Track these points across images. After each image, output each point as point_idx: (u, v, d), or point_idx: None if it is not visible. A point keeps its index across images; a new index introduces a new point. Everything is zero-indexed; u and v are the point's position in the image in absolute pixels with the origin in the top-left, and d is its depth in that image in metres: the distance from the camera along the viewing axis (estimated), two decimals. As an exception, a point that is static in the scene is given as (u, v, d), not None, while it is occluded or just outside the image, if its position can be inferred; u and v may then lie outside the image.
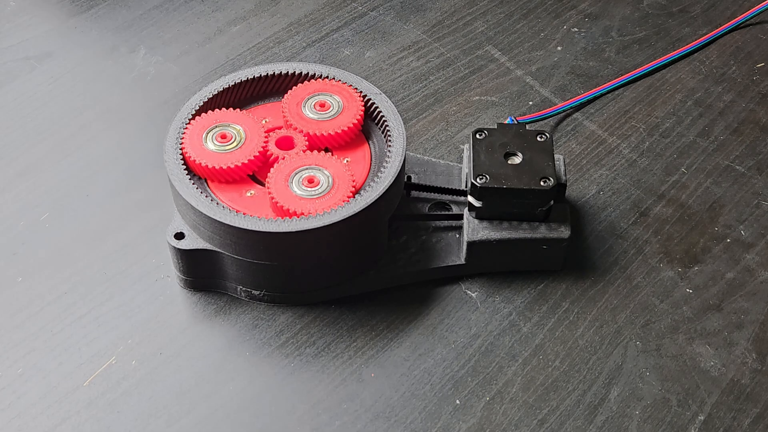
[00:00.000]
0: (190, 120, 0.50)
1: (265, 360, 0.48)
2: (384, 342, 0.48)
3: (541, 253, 0.50)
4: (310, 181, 0.48)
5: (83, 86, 0.62)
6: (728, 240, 0.53)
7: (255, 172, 0.50)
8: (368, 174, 0.50)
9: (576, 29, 0.67)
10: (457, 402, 0.46)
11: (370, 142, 0.51)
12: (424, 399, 0.46)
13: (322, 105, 0.51)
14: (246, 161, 0.48)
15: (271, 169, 0.48)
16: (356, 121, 0.51)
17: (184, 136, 0.49)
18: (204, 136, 0.49)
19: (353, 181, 0.48)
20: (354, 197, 0.47)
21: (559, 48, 0.65)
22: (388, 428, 0.45)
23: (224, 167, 0.48)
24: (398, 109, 0.55)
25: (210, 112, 0.51)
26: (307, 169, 0.48)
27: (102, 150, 0.58)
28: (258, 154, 0.49)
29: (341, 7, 0.68)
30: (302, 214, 0.46)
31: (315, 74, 0.53)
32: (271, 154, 0.50)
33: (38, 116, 0.60)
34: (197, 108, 0.51)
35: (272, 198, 0.47)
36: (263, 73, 0.53)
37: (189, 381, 0.47)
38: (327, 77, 0.53)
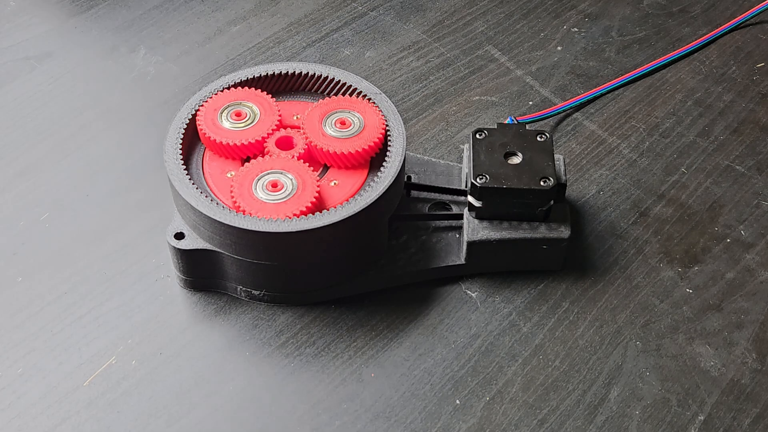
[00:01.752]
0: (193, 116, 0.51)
1: (265, 360, 0.48)
2: (384, 342, 0.48)
3: (541, 253, 0.50)
4: (342, 122, 0.49)
5: (83, 86, 0.62)
6: (728, 240, 0.53)
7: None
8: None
9: (576, 29, 0.67)
10: (457, 402, 0.46)
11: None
12: (424, 399, 0.46)
13: (343, 122, 0.50)
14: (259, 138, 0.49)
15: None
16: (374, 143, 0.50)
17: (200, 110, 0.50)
18: (219, 114, 0.50)
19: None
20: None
21: (559, 48, 0.65)
22: (388, 428, 0.45)
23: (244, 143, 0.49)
24: (398, 109, 0.55)
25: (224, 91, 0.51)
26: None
27: (102, 150, 0.58)
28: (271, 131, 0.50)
29: (341, 7, 0.68)
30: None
31: (316, 75, 0.53)
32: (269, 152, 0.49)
33: (38, 116, 0.60)
34: (197, 108, 0.51)
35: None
36: (263, 73, 0.53)
37: (189, 381, 0.47)
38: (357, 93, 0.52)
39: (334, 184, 0.49)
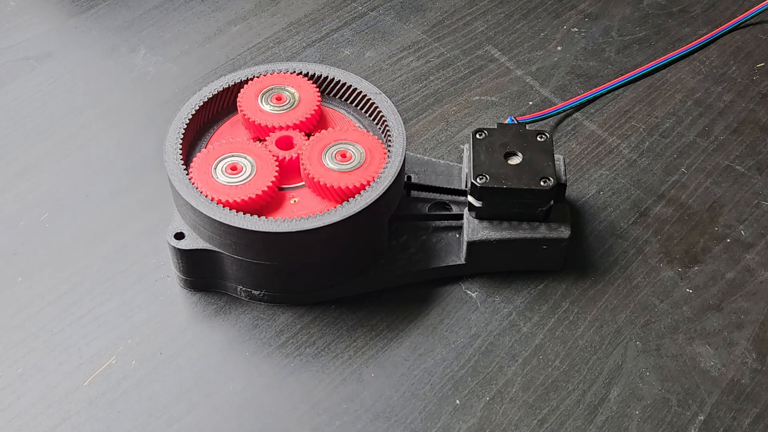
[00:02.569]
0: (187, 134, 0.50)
1: (265, 360, 0.48)
2: (384, 342, 0.48)
3: (541, 253, 0.50)
4: (343, 155, 0.48)
5: (83, 86, 0.62)
6: (728, 240, 0.53)
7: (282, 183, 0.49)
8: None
9: (576, 29, 0.67)
10: (457, 402, 0.46)
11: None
12: (424, 399, 0.46)
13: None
14: (264, 191, 0.47)
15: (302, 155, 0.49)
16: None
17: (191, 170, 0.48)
18: (213, 167, 0.48)
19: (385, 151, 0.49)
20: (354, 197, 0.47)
21: (559, 48, 0.65)
22: (388, 428, 0.45)
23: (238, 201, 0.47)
24: (398, 109, 0.55)
25: (215, 145, 0.50)
26: (338, 144, 0.49)
27: (102, 150, 0.58)
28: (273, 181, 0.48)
29: (341, 7, 0.68)
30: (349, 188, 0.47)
31: (316, 75, 0.53)
32: (277, 156, 0.49)
33: (38, 116, 0.60)
34: (197, 108, 0.51)
35: (313, 179, 0.48)
36: (263, 73, 0.53)
37: (189, 381, 0.47)
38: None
39: (294, 201, 0.48)
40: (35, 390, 0.46)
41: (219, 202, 0.46)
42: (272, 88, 0.52)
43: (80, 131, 0.59)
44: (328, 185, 0.47)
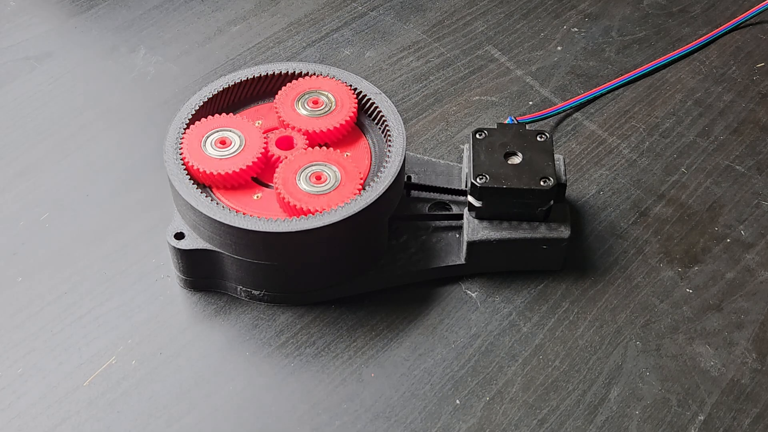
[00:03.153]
0: (186, 126, 0.50)
1: (265, 360, 0.48)
2: (384, 342, 0.48)
3: (541, 253, 0.50)
4: (318, 177, 0.48)
5: (83, 86, 0.62)
6: (728, 240, 0.53)
7: (258, 175, 0.50)
8: (370, 169, 0.50)
9: (576, 29, 0.67)
10: (457, 402, 0.46)
11: (368, 138, 0.52)
12: (424, 399, 0.46)
13: (315, 102, 0.51)
14: (248, 165, 0.48)
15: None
16: (350, 117, 0.51)
17: (182, 142, 0.49)
18: (203, 141, 0.49)
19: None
20: (360, 193, 0.47)
21: (559, 48, 0.65)
22: (388, 428, 0.45)
23: (228, 172, 0.48)
24: (398, 109, 0.55)
25: (205, 119, 0.50)
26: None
27: (102, 150, 0.58)
28: (260, 156, 0.49)
29: (341, 7, 0.68)
30: (314, 211, 0.46)
31: (317, 75, 0.53)
32: (272, 155, 0.50)
33: (38, 116, 0.60)
34: (197, 108, 0.51)
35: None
36: (263, 73, 0.53)
37: (189, 381, 0.47)
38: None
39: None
40: (35, 390, 0.46)
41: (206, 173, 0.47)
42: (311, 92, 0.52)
43: (80, 131, 0.59)
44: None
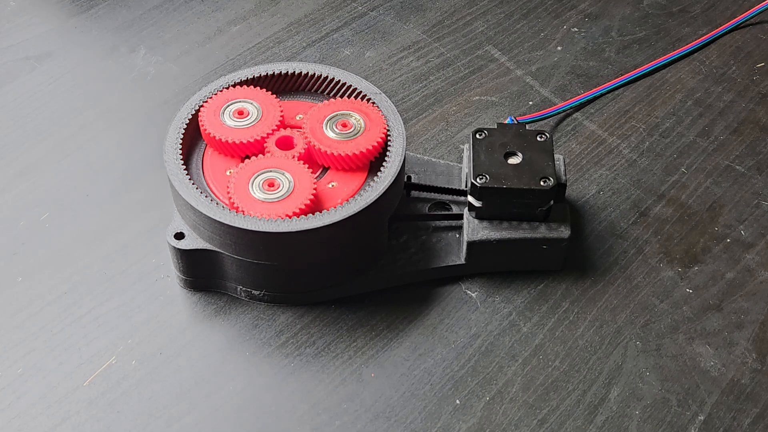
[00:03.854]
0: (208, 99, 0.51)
1: (265, 360, 0.48)
2: (384, 342, 0.48)
3: (541, 253, 0.50)
4: (344, 124, 0.49)
5: (83, 86, 0.62)
6: (728, 240, 0.53)
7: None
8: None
9: (576, 29, 0.67)
10: (457, 402, 0.46)
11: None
12: (424, 399, 0.46)
13: (345, 125, 0.50)
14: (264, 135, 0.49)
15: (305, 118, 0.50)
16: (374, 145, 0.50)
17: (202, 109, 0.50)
18: (222, 111, 0.50)
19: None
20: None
21: (559, 48, 0.65)
22: (388, 428, 0.45)
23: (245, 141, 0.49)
24: (398, 109, 0.55)
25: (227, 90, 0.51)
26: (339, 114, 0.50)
27: (102, 150, 0.58)
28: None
29: (341, 7, 0.68)
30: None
31: (316, 75, 0.53)
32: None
33: (38, 116, 0.60)
34: (197, 108, 0.51)
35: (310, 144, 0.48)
36: (263, 73, 0.53)
37: (189, 381, 0.47)
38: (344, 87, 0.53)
39: (333, 186, 0.49)
40: (35, 390, 0.46)
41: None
42: (233, 103, 0.51)
43: (80, 131, 0.59)
44: (343, 154, 0.48)
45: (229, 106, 0.51)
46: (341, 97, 0.53)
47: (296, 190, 0.47)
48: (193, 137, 0.51)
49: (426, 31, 0.66)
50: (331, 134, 0.49)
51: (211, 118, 0.50)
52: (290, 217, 0.46)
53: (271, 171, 0.48)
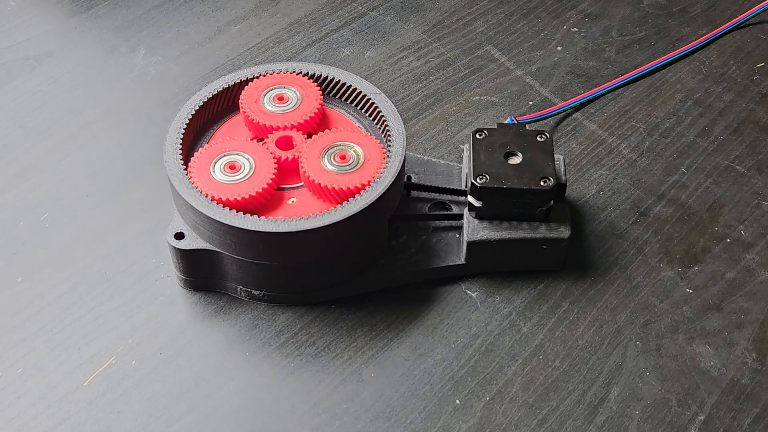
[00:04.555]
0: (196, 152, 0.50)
1: (265, 360, 0.48)
2: (384, 342, 0.48)
3: (541, 253, 0.50)
4: (342, 157, 0.48)
5: (83, 86, 0.62)
6: (728, 240, 0.53)
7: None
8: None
9: (576, 29, 0.67)
10: (457, 402, 0.46)
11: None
12: (424, 399, 0.46)
13: (343, 157, 0.49)
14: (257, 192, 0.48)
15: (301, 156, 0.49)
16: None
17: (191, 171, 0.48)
18: (212, 166, 0.48)
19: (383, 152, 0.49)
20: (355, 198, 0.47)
21: (559, 48, 0.65)
22: (388, 428, 0.45)
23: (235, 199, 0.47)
24: (398, 109, 0.55)
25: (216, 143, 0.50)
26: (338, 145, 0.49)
27: (102, 150, 0.58)
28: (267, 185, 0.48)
29: (341, 7, 0.68)
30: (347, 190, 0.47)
31: (316, 75, 0.53)
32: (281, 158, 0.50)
33: (38, 116, 0.60)
34: (197, 108, 0.51)
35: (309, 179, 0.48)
36: (263, 73, 0.53)
37: (189, 381, 0.47)
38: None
39: (292, 201, 0.48)
40: (35, 390, 0.46)
41: (216, 200, 0.46)
42: (274, 88, 0.52)
43: (80, 131, 0.59)
44: (325, 186, 0.47)
45: (270, 91, 0.52)
46: (341, 97, 0.54)
47: (257, 172, 0.47)
48: (193, 137, 0.51)
49: (426, 31, 0.66)
50: (327, 165, 0.48)
51: (252, 101, 0.51)
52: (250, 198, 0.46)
53: (232, 154, 0.48)
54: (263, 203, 0.47)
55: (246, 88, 0.52)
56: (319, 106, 0.51)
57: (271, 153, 0.49)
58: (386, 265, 0.50)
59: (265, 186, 0.47)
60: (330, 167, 0.48)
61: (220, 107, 0.53)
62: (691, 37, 0.66)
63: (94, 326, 0.49)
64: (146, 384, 0.46)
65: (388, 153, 0.49)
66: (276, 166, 0.48)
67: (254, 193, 0.47)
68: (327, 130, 0.50)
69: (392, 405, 0.46)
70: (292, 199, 0.48)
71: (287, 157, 0.49)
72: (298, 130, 0.50)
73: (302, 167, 0.48)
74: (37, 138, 0.58)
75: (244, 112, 0.51)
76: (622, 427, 0.45)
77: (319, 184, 0.47)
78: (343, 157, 0.48)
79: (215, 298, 0.50)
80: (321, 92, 0.52)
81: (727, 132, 0.59)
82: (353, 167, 0.48)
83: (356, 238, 0.48)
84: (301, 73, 0.53)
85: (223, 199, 0.46)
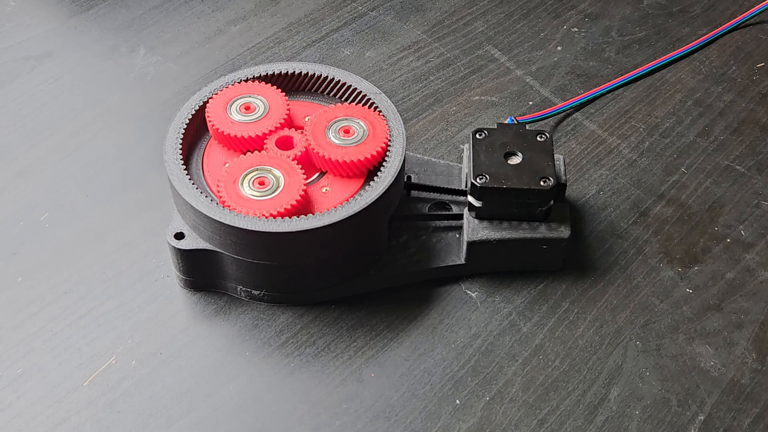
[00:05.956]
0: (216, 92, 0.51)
1: (265, 360, 0.48)
2: (384, 342, 0.48)
3: (541, 253, 0.50)
4: (346, 131, 0.49)
5: (83, 86, 0.62)
6: (728, 240, 0.53)
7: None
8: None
9: (576, 29, 0.67)
10: (457, 402, 0.46)
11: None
12: (424, 399, 0.46)
13: (347, 131, 0.49)
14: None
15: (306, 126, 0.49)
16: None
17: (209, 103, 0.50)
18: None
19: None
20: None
21: (559, 48, 0.65)
22: (388, 428, 0.45)
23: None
24: (398, 109, 0.55)
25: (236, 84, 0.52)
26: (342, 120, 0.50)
27: (102, 150, 0.58)
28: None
29: (341, 7, 0.68)
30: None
31: (316, 75, 0.53)
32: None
33: (38, 116, 0.60)
34: (197, 108, 0.51)
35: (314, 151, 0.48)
36: (263, 73, 0.53)
37: (189, 381, 0.47)
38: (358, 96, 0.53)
39: (326, 190, 0.48)
40: (35, 390, 0.46)
41: (266, 216, 0.46)
42: (240, 98, 0.51)
43: (80, 131, 0.59)
44: (351, 161, 0.48)
45: (237, 100, 0.51)
46: (341, 97, 0.54)
47: (285, 190, 0.47)
48: (193, 137, 0.51)
49: (426, 31, 0.66)
50: (333, 139, 0.49)
51: (219, 111, 0.50)
52: (275, 217, 0.45)
53: (262, 169, 0.48)
54: (304, 204, 0.47)
55: (210, 103, 0.51)
56: (287, 112, 0.51)
57: (290, 157, 0.49)
58: (386, 265, 0.50)
59: (302, 192, 0.47)
60: (337, 142, 0.49)
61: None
62: (691, 37, 0.66)
63: (94, 326, 0.49)
64: (146, 384, 0.46)
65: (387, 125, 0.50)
66: (303, 171, 0.48)
67: (294, 202, 0.46)
68: (321, 111, 0.50)
69: (392, 405, 0.46)
70: (324, 188, 0.48)
71: (297, 154, 0.49)
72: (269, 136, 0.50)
73: (318, 153, 0.48)
74: (37, 138, 0.58)
75: (213, 125, 0.50)
76: (622, 427, 0.45)
77: (344, 161, 0.48)
78: (347, 131, 0.49)
79: (215, 298, 0.50)
80: (284, 94, 0.52)
81: (727, 132, 0.59)
82: (360, 139, 0.49)
83: (356, 238, 0.48)
84: (300, 73, 0.53)
85: (266, 214, 0.46)
